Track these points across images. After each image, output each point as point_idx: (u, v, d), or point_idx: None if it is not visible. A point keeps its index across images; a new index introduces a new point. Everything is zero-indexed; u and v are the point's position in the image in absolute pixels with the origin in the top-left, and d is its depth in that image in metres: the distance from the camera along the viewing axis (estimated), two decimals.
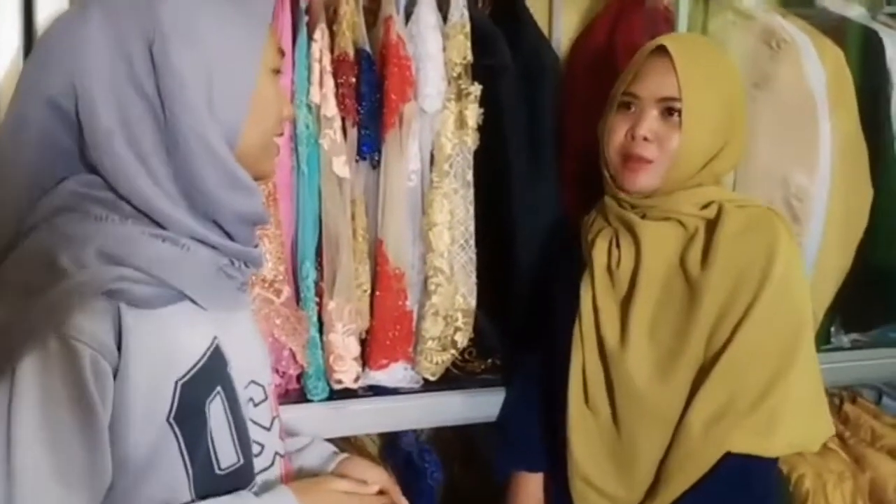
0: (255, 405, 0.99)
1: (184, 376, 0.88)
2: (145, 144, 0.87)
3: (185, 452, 0.88)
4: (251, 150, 0.94)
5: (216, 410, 0.91)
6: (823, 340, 1.81)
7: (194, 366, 0.89)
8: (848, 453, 1.83)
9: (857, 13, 1.91)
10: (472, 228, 1.52)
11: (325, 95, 1.40)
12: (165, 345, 0.87)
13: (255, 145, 0.94)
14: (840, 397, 2.02)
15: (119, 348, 0.83)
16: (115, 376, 0.82)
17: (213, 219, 0.92)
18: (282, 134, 1.01)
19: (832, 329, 1.85)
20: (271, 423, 1.02)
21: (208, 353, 0.91)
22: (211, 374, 0.91)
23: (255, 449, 0.98)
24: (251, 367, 0.99)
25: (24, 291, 0.83)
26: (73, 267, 0.82)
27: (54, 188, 0.90)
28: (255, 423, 0.98)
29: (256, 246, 1.00)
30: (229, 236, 0.94)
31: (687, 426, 1.21)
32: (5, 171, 0.92)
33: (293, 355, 1.43)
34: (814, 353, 1.25)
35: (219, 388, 0.92)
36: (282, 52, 1.00)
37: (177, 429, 0.87)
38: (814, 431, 1.25)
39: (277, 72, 0.98)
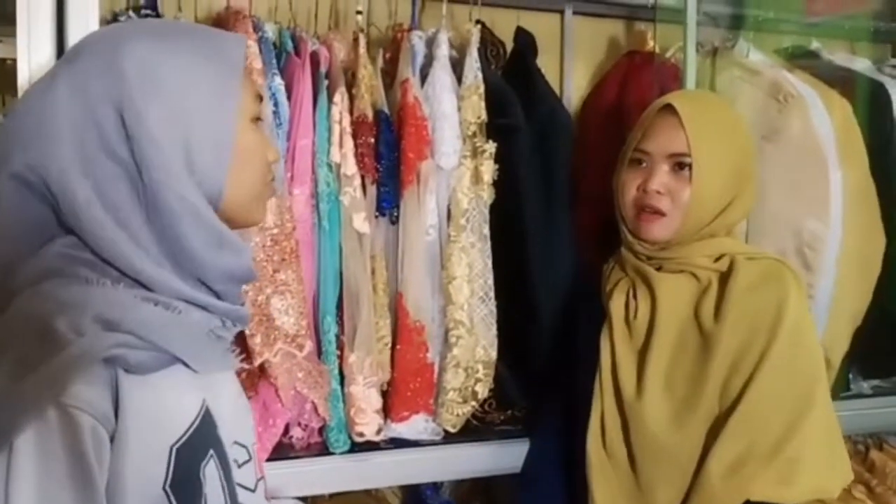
0: (240, 466, 0.96)
1: (178, 441, 0.85)
2: (123, 210, 0.85)
3: None
4: (239, 202, 0.93)
5: (211, 474, 0.88)
6: (843, 387, 1.81)
7: (188, 430, 0.87)
8: (875, 502, 1.81)
9: (862, 66, 1.96)
10: (490, 281, 1.55)
11: (345, 155, 1.45)
12: (160, 410, 0.84)
13: (242, 196, 0.93)
14: (866, 444, 2.01)
15: (116, 415, 0.80)
16: (111, 444, 0.79)
17: (200, 279, 0.90)
18: (273, 179, 1.00)
19: (850, 376, 1.86)
20: (256, 485, 1.00)
21: (200, 416, 0.89)
22: (204, 437, 0.89)
23: None
24: (236, 427, 0.97)
25: (20, 361, 0.79)
26: (71, 334, 0.79)
27: (38, 252, 0.87)
28: (240, 485, 0.95)
29: (243, 304, 0.97)
30: (217, 295, 0.92)
31: (706, 474, 1.23)
32: None
33: (315, 408, 1.45)
34: (829, 400, 1.28)
35: (212, 452, 0.89)
36: (260, 98, 0.98)
37: (172, 497, 0.83)
38: (833, 477, 1.25)
39: (258, 119, 0.95)
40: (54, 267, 0.86)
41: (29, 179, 0.85)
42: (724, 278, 1.30)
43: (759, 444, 1.21)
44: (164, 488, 0.83)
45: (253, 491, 0.98)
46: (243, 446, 0.97)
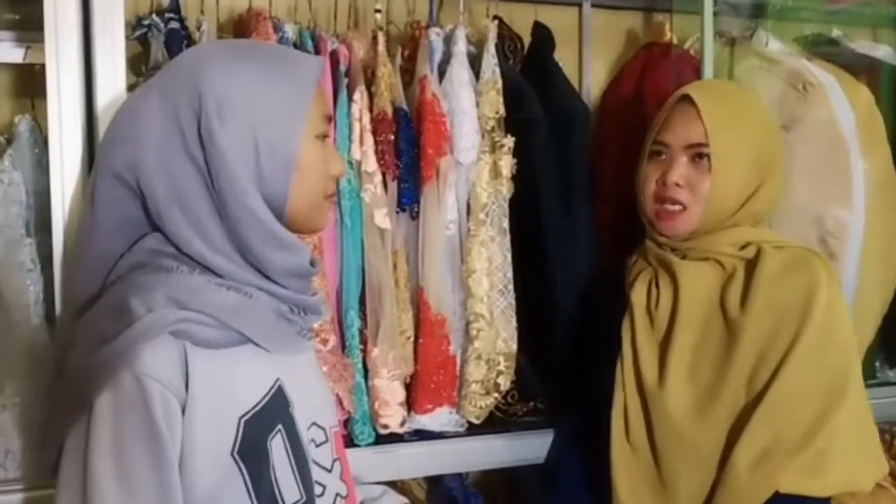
0: (317, 446, 1.04)
1: (246, 413, 0.94)
2: (201, 212, 0.95)
3: (250, 487, 0.93)
4: (301, 210, 1.01)
5: (277, 447, 0.97)
6: (869, 375, 1.79)
7: (257, 404, 0.95)
8: None
9: (883, 53, 1.94)
10: (510, 274, 1.57)
11: (365, 152, 1.47)
12: (229, 383, 0.93)
13: (304, 205, 1.01)
14: (892, 433, 1.99)
15: (186, 385, 0.89)
16: (183, 412, 0.89)
17: (265, 274, 0.99)
18: (333, 194, 1.08)
19: (877, 364, 1.85)
20: (332, 465, 1.06)
21: (271, 393, 0.97)
22: (273, 412, 0.97)
23: (317, 489, 1.03)
24: (313, 409, 1.05)
25: (99, 337, 0.91)
26: (142, 310, 0.90)
27: (132, 247, 0.99)
28: (316, 463, 1.03)
29: (314, 294, 1.07)
30: (280, 286, 1.00)
31: (733, 466, 1.21)
32: (87, 240, 1.02)
33: (340, 401, 1.46)
34: (863, 391, 1.26)
35: (280, 427, 0.97)
36: (329, 118, 1.06)
37: (241, 464, 0.93)
38: (866, 470, 1.24)
39: (325, 136, 1.04)
40: (142, 260, 0.97)
41: (125, 178, 0.97)
42: (751, 266, 1.29)
43: (787, 435, 1.19)
44: (232, 455, 0.92)
45: (329, 471, 1.06)
46: (322, 428, 1.06)
